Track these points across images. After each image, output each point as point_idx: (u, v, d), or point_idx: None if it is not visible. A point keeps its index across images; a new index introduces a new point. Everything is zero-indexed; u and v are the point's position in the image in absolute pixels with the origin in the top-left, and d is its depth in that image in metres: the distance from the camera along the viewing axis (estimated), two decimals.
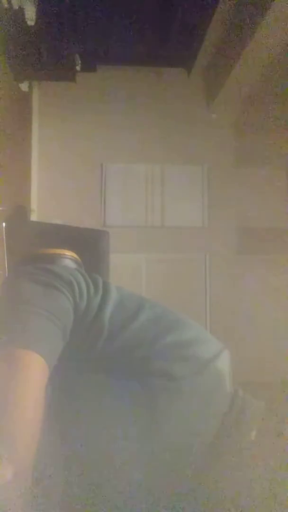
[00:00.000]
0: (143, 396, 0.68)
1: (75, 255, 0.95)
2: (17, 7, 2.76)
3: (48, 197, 4.25)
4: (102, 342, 0.70)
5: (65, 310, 0.70)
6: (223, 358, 0.76)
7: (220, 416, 0.70)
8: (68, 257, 0.93)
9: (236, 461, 0.67)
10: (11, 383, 0.60)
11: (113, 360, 0.70)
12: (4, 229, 1.09)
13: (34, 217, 4.09)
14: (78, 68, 3.80)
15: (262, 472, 0.65)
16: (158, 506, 0.63)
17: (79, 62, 3.75)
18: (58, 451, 0.65)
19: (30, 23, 2.88)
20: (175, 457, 0.66)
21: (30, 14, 2.82)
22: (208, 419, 0.70)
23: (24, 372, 0.61)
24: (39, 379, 0.62)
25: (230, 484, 0.65)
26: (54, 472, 0.64)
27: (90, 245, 1.10)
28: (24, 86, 4.06)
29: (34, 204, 4.21)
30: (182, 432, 0.68)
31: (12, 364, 0.61)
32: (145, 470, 0.65)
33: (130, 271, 4.19)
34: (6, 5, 2.73)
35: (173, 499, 0.64)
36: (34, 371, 0.62)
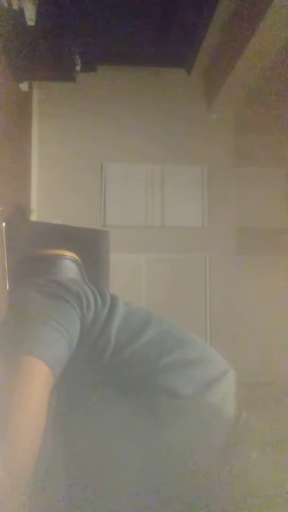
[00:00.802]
0: (147, 413, 0.68)
1: (75, 256, 0.95)
2: (17, 7, 2.76)
3: (48, 197, 4.26)
4: (109, 355, 0.70)
5: (72, 320, 0.70)
6: (228, 378, 0.76)
7: (222, 437, 0.70)
8: (68, 258, 0.93)
9: (237, 481, 0.67)
10: (12, 387, 0.60)
11: (118, 374, 0.70)
12: (4, 229, 1.09)
13: (34, 217, 4.09)
14: (78, 68, 3.79)
15: (261, 483, 0.65)
16: None
17: (79, 62, 3.75)
18: (61, 461, 0.65)
19: (30, 23, 2.88)
20: (176, 474, 0.66)
21: (30, 14, 2.82)
22: (210, 439, 0.70)
23: (26, 377, 0.61)
24: (41, 385, 0.62)
25: (229, 496, 0.65)
26: (57, 482, 0.64)
27: (90, 245, 1.10)
28: (24, 86, 4.06)
29: (34, 204, 4.21)
30: (183, 450, 0.68)
31: (15, 369, 0.61)
32: (146, 486, 0.65)
33: (130, 271, 4.19)
34: (6, 5, 2.73)
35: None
36: (37, 377, 0.62)
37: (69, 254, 0.93)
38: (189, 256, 4.39)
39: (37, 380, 0.62)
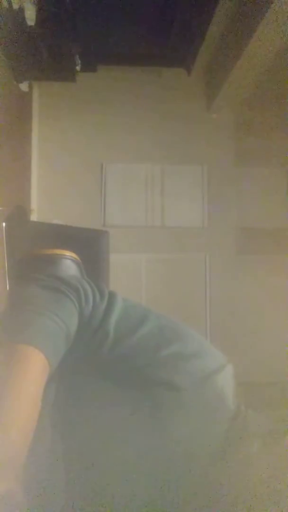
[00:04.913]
0: (146, 406, 0.68)
1: (75, 255, 0.95)
2: (17, 7, 2.76)
3: (48, 197, 4.25)
4: (107, 348, 0.71)
5: (70, 313, 0.71)
6: (226, 372, 0.76)
7: (222, 431, 0.70)
8: (68, 257, 0.94)
9: (238, 473, 0.67)
10: (8, 375, 0.60)
11: (117, 367, 0.71)
12: (4, 229, 1.09)
13: (34, 217, 4.09)
14: (78, 68, 3.80)
15: (263, 480, 0.65)
16: None
17: (79, 62, 3.75)
18: (60, 455, 0.66)
19: (30, 23, 2.88)
20: (176, 467, 0.66)
21: (30, 14, 2.82)
22: (210, 432, 0.70)
23: (21, 365, 0.62)
24: (37, 373, 0.62)
25: (230, 492, 0.65)
26: (55, 475, 0.64)
27: (90, 245, 1.10)
28: (24, 86, 4.06)
29: (34, 204, 4.21)
30: (183, 443, 0.68)
31: (11, 357, 0.62)
32: (146, 479, 0.65)
33: (130, 271, 4.19)
34: (6, 5, 2.73)
35: (174, 507, 0.64)
36: (33, 365, 0.62)
37: (69, 253, 0.94)
38: (189, 256, 4.39)
39: (33, 368, 0.62)
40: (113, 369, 0.71)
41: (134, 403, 0.68)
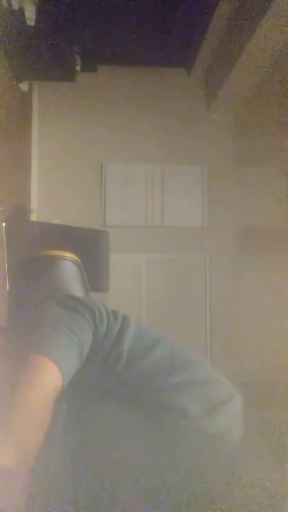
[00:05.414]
0: (153, 428, 0.70)
1: (75, 257, 0.95)
2: (17, 7, 2.76)
3: (48, 197, 4.25)
4: (120, 368, 0.74)
5: (84, 330, 0.74)
6: (235, 403, 0.77)
7: (225, 465, 0.72)
8: (68, 259, 0.94)
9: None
10: (21, 381, 0.64)
11: (128, 388, 0.73)
12: (4, 229, 1.09)
13: (34, 217, 4.09)
14: (78, 68, 3.80)
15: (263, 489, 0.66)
16: None
17: (79, 62, 3.75)
18: (69, 467, 0.68)
19: (30, 23, 2.88)
20: (181, 486, 0.68)
21: (30, 14, 2.82)
22: (214, 462, 0.72)
23: (34, 373, 0.65)
24: (48, 382, 0.65)
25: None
26: (64, 486, 0.66)
27: (90, 245, 1.10)
28: (24, 86, 4.06)
29: (34, 204, 4.21)
30: (188, 468, 0.70)
31: (25, 365, 0.65)
32: (149, 492, 0.67)
33: (130, 271, 4.19)
34: (6, 5, 2.73)
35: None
36: (45, 374, 0.65)
37: (69, 255, 0.94)
38: (189, 256, 4.39)
39: (45, 376, 0.65)
40: (123, 389, 0.73)
41: (142, 425, 0.70)
